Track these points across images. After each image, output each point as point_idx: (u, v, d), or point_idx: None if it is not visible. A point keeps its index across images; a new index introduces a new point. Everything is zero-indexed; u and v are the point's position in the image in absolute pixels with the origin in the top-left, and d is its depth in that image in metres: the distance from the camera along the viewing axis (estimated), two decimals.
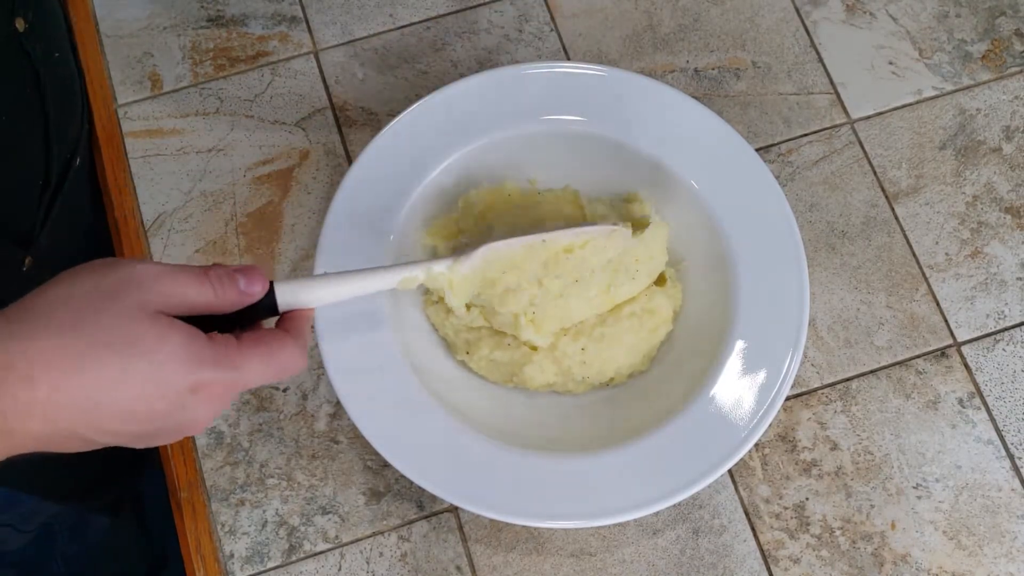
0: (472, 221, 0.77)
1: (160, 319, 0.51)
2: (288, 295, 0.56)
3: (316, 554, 0.72)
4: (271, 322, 0.57)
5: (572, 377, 0.74)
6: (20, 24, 0.73)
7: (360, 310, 0.73)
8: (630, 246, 0.73)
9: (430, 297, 0.76)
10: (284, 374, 0.55)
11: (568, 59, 0.86)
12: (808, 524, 0.73)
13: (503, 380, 0.75)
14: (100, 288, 0.51)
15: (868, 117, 0.84)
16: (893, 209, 0.81)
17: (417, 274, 0.64)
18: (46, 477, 0.93)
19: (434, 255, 0.77)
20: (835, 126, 0.84)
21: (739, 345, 0.72)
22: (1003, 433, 0.75)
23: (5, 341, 0.49)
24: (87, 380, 0.49)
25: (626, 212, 0.77)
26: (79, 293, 0.51)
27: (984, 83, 0.85)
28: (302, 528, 0.73)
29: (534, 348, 0.73)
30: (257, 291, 0.54)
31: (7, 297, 0.50)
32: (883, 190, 0.82)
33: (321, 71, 0.86)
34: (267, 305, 0.56)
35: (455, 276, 0.68)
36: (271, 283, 0.56)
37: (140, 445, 0.53)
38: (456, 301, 0.69)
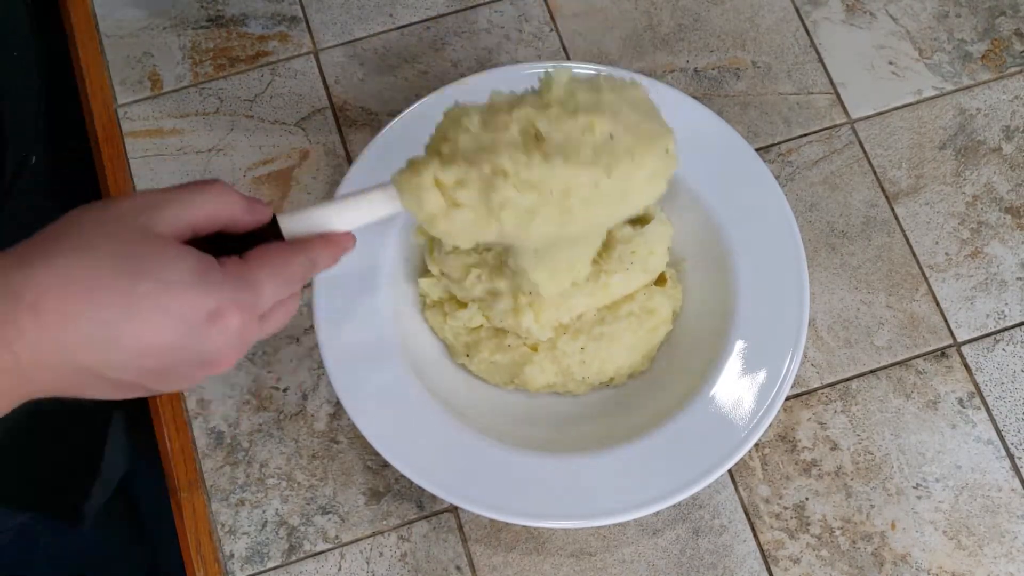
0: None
1: (169, 243, 0.50)
2: (291, 223, 0.56)
3: (316, 554, 0.72)
4: None
5: (572, 377, 0.74)
6: None
7: (361, 310, 0.73)
8: (627, 234, 0.73)
9: (427, 301, 0.76)
10: (294, 284, 0.55)
11: (568, 59, 0.86)
12: (808, 524, 0.73)
13: (503, 382, 0.74)
14: (106, 214, 0.50)
15: (868, 117, 0.84)
16: (893, 209, 0.81)
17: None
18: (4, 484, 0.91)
19: (425, 252, 0.76)
20: (835, 126, 0.84)
21: (739, 345, 0.72)
22: (1003, 433, 0.75)
23: (10, 270, 0.47)
24: (96, 311, 0.47)
25: None
26: (85, 220, 0.50)
27: (984, 83, 0.85)
28: (302, 528, 0.73)
29: (534, 348, 0.73)
30: (260, 207, 0.55)
31: None
32: (883, 190, 0.82)
33: (321, 71, 0.86)
34: (273, 235, 0.56)
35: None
36: (273, 215, 0.56)
37: (162, 386, 0.52)
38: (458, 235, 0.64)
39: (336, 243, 0.58)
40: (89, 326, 0.47)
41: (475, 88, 0.78)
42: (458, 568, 0.72)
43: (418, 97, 0.79)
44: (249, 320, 0.52)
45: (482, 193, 0.63)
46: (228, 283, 0.51)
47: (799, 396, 0.76)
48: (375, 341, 0.73)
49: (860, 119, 0.84)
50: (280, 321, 0.56)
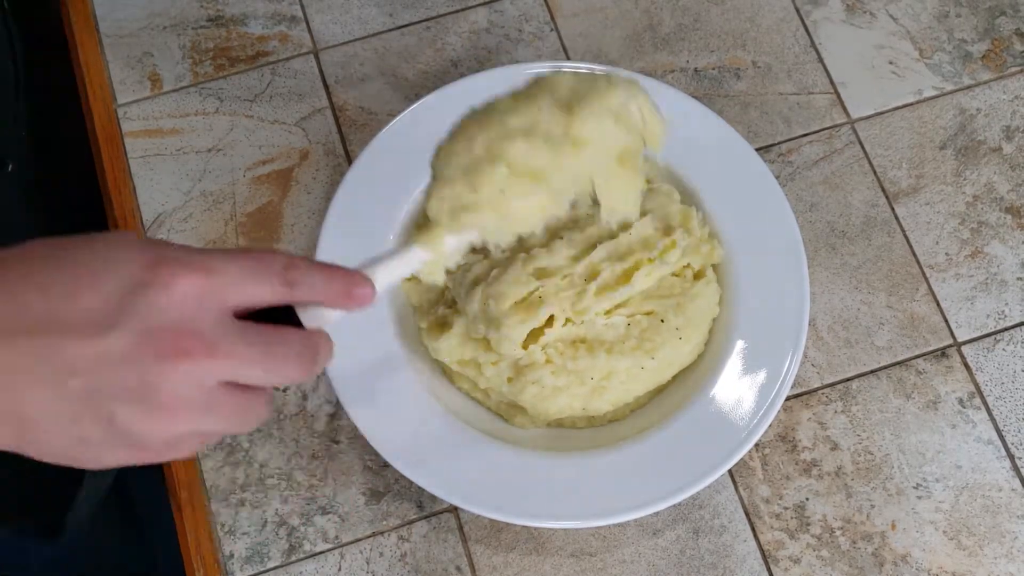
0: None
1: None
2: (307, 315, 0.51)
3: (316, 554, 0.72)
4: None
5: (565, 422, 0.73)
6: None
7: (360, 313, 0.73)
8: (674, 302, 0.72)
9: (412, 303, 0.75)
10: (270, 273, 0.46)
11: (568, 59, 0.86)
12: (808, 524, 0.73)
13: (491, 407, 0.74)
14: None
15: (868, 117, 0.84)
16: (893, 209, 0.81)
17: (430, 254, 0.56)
18: None
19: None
20: (835, 126, 0.84)
21: (739, 345, 0.72)
22: (1003, 433, 0.75)
23: None
24: (28, 266, 0.43)
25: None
26: None
27: (984, 83, 0.85)
28: (302, 528, 0.73)
29: (519, 408, 0.72)
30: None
31: None
32: (883, 190, 0.82)
33: (321, 71, 0.86)
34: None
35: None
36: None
37: (115, 389, 0.43)
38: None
39: (340, 273, 0.50)
40: (17, 287, 0.43)
41: (475, 88, 0.79)
42: (458, 568, 0.72)
43: (418, 97, 0.79)
44: (205, 286, 0.44)
45: (512, 368, 0.68)
46: (179, 247, 0.45)
47: (799, 396, 0.76)
48: (376, 341, 0.73)
49: (860, 119, 0.84)
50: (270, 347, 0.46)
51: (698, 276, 0.74)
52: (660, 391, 0.74)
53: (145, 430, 0.44)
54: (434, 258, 0.55)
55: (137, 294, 0.43)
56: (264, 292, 0.46)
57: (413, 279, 0.74)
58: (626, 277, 0.70)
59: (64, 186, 0.85)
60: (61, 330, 0.42)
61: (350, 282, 0.50)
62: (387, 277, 0.53)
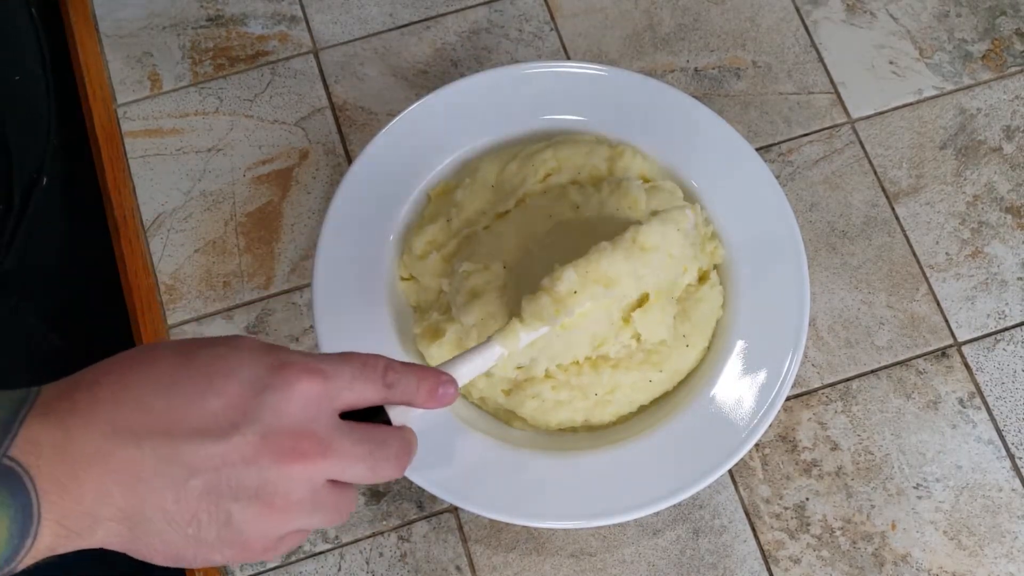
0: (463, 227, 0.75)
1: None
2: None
3: (316, 554, 0.72)
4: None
5: (566, 430, 0.73)
6: None
7: (361, 311, 0.73)
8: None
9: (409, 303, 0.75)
10: (376, 380, 0.49)
11: (568, 59, 0.86)
12: (808, 524, 0.73)
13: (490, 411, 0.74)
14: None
15: (868, 117, 0.84)
16: (893, 209, 0.81)
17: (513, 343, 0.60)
18: None
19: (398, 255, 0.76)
20: (835, 126, 0.84)
21: (739, 345, 0.72)
22: (1003, 433, 0.75)
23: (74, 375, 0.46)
24: (154, 375, 0.45)
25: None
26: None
27: (984, 83, 0.85)
28: None
29: (518, 417, 0.72)
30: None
31: None
32: (883, 190, 0.82)
33: (321, 71, 0.86)
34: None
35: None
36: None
37: (227, 485, 0.44)
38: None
39: (429, 374, 0.53)
40: (143, 391, 0.45)
41: (475, 88, 0.79)
42: (458, 568, 0.72)
43: (418, 97, 0.79)
44: (322, 390, 0.46)
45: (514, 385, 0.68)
46: (297, 352, 0.48)
47: (799, 396, 0.76)
48: (375, 341, 0.73)
49: (860, 119, 0.84)
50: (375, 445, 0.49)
51: (702, 279, 0.73)
52: (662, 395, 0.74)
53: (257, 530, 0.46)
54: (509, 353, 0.60)
55: (259, 397, 0.45)
56: (369, 394, 0.50)
57: (411, 278, 0.75)
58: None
59: (84, 190, 0.86)
60: (185, 433, 0.44)
61: (437, 382, 0.53)
62: (468, 373, 0.58)
